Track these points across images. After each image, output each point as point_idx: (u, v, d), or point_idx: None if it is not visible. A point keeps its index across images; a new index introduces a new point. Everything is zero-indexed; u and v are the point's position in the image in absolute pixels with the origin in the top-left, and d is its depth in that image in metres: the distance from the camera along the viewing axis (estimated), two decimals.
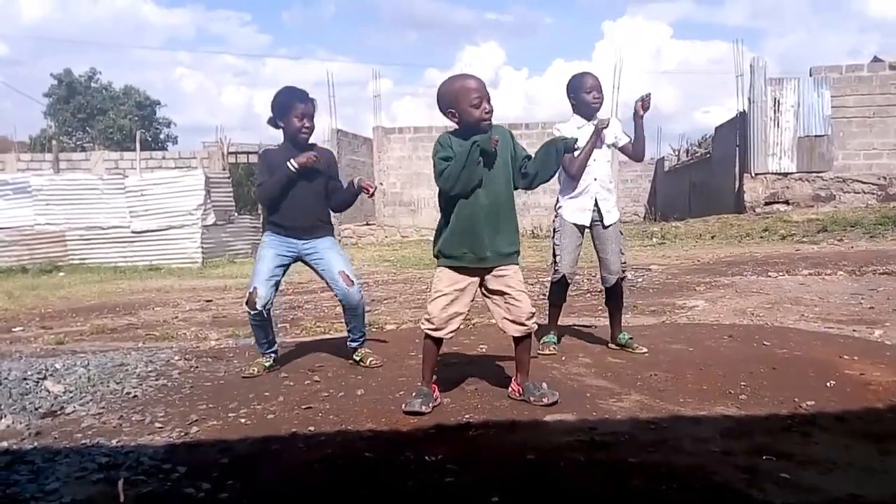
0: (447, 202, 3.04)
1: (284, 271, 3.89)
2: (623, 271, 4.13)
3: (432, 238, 3.19)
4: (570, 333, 4.64)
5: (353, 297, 3.84)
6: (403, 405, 3.01)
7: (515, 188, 3.11)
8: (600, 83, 4.00)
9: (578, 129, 3.97)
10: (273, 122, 3.83)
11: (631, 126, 4.08)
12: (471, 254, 3.01)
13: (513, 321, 3.09)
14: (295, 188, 3.77)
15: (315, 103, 3.84)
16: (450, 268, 3.07)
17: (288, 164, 3.69)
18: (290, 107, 3.75)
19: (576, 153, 3.72)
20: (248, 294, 3.77)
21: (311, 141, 3.86)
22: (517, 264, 3.13)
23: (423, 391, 3.06)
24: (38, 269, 11.89)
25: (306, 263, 3.90)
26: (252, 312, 3.75)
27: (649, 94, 3.97)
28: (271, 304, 3.80)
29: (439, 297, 3.06)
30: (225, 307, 7.08)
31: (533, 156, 3.11)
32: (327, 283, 3.89)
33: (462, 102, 2.97)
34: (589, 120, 3.99)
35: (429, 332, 3.08)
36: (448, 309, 3.05)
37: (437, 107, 3.08)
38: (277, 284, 3.83)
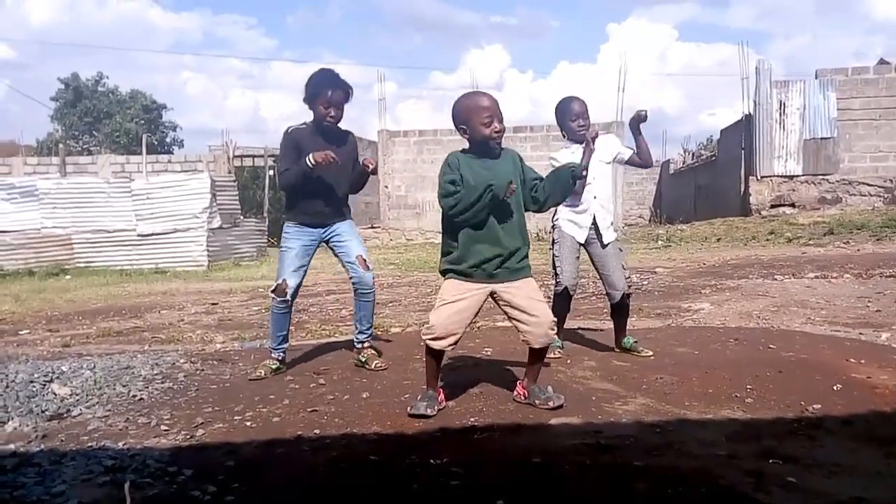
0: (455, 224, 3.01)
1: (311, 259, 3.99)
2: (628, 286, 4.12)
3: (439, 255, 3.15)
4: (576, 337, 4.63)
5: (368, 280, 3.96)
6: (409, 408, 3.01)
7: (526, 210, 3.10)
8: (586, 108, 4.00)
9: (573, 155, 3.97)
10: (306, 102, 3.87)
11: (632, 138, 4.09)
12: (481, 271, 3.00)
13: (534, 333, 3.05)
14: (322, 174, 3.81)
15: (347, 90, 3.86)
16: (458, 280, 3.04)
17: (307, 159, 3.70)
18: (319, 93, 3.79)
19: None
20: (276, 285, 3.87)
21: (338, 125, 3.92)
22: (530, 276, 3.11)
23: (429, 394, 3.06)
24: (45, 272, 11.92)
25: (327, 244, 4.00)
26: (279, 299, 3.86)
27: (643, 111, 3.96)
28: (297, 292, 3.93)
29: (443, 305, 3.02)
30: (230, 310, 7.09)
31: (543, 179, 3.12)
32: (343, 265, 4.01)
33: (473, 119, 3.00)
34: (581, 143, 3.98)
35: (429, 342, 3.03)
36: (451, 319, 3.00)
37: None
38: (305, 273, 3.96)
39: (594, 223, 4.03)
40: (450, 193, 2.97)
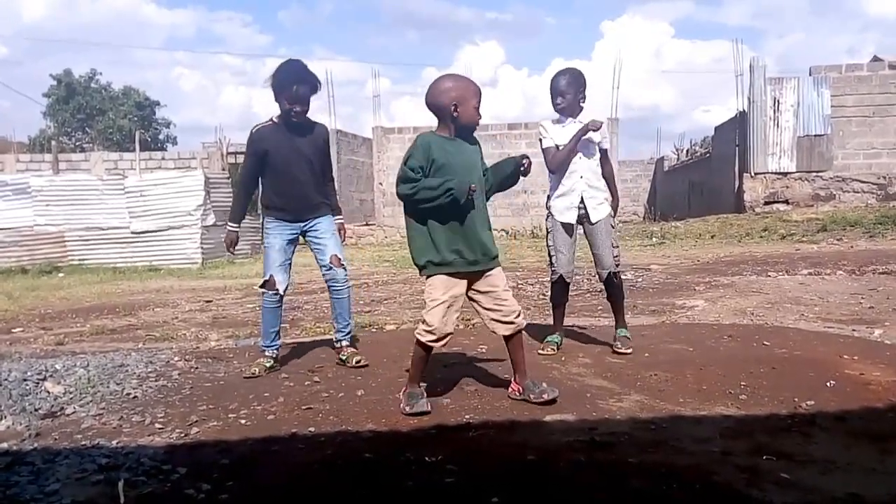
0: (429, 211, 2.97)
1: (293, 251, 4.00)
2: (616, 265, 4.09)
3: (410, 245, 3.08)
4: (570, 333, 4.63)
5: (340, 276, 3.98)
6: (405, 408, 2.99)
7: None
8: (568, 83, 3.96)
9: (563, 129, 4.01)
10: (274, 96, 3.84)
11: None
12: (460, 259, 3.00)
13: (500, 320, 3.10)
14: (293, 169, 3.85)
15: (314, 83, 3.83)
16: (443, 275, 3.03)
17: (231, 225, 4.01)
18: (284, 87, 3.75)
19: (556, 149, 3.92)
20: (264, 281, 3.89)
21: (307, 117, 3.92)
22: (500, 265, 3.17)
23: (418, 391, 3.06)
24: (38, 270, 11.86)
25: (304, 237, 4.01)
26: (271, 292, 3.87)
27: (595, 121, 3.91)
28: (288, 286, 3.96)
29: (438, 306, 3.00)
30: (225, 308, 7.07)
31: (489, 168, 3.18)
32: (317, 261, 4.03)
33: (469, 101, 3.01)
34: (568, 116, 4.00)
35: (430, 342, 3.03)
36: (447, 317, 3.02)
37: (429, 102, 3.05)
38: (290, 267, 3.99)
39: (582, 202, 4.03)
40: (409, 180, 2.93)
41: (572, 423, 2.82)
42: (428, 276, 3.06)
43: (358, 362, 3.93)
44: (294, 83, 3.74)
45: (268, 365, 3.89)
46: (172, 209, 12.88)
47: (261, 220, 4.00)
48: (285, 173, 3.85)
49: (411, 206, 3.00)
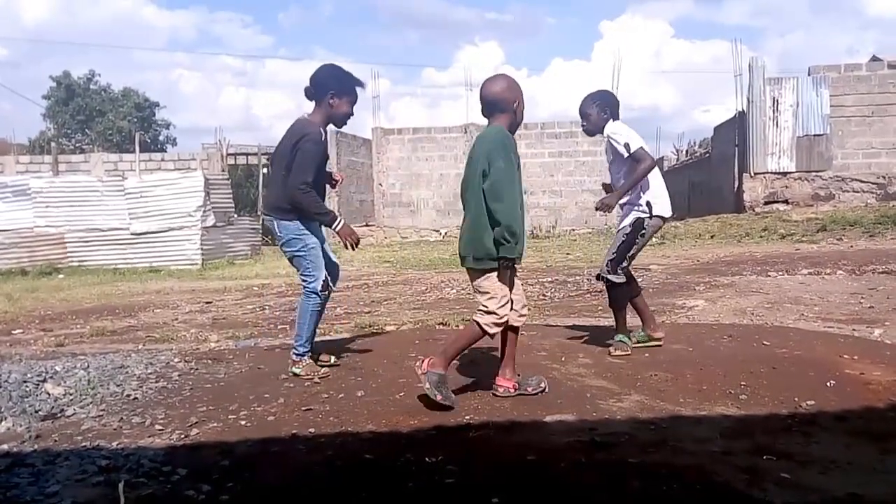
0: (514, 203, 3.05)
1: None
2: (608, 271, 4.06)
3: (491, 237, 3.05)
4: (571, 333, 4.64)
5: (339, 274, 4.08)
6: (437, 396, 2.98)
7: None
8: (583, 109, 4.16)
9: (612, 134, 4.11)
10: (317, 95, 3.74)
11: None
12: (519, 256, 3.11)
13: (518, 311, 3.22)
14: (320, 177, 3.83)
15: None
16: (506, 269, 3.09)
17: (339, 227, 3.68)
18: (350, 92, 3.76)
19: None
20: (321, 283, 3.80)
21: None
22: None
23: (447, 379, 3.08)
24: (38, 272, 11.87)
25: None
26: (324, 294, 3.82)
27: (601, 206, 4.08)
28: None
29: (504, 299, 3.10)
30: (225, 309, 7.07)
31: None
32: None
33: (522, 99, 3.23)
34: (596, 133, 4.20)
35: (495, 333, 3.13)
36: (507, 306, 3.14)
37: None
38: None
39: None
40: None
41: (572, 424, 2.82)
42: (496, 269, 3.08)
43: (334, 362, 4.00)
44: (357, 89, 3.76)
45: (331, 362, 3.96)
46: (172, 210, 12.88)
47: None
48: (320, 182, 3.84)
49: (518, 202, 3.08)
